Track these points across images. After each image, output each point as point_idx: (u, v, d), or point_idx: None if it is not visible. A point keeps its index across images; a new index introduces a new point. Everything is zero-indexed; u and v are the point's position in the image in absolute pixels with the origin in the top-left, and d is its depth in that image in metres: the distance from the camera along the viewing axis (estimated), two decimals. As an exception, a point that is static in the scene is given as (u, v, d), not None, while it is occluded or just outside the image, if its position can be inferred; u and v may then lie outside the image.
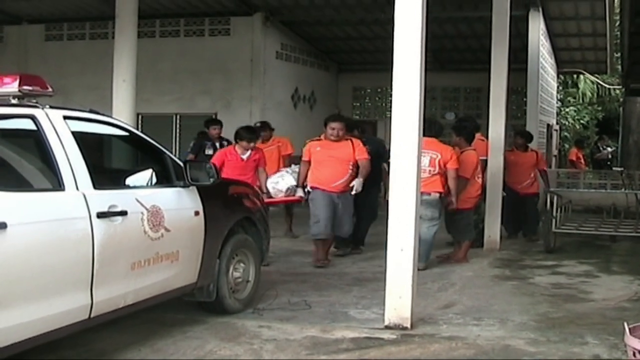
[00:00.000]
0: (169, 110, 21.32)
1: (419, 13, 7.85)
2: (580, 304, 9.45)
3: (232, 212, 8.51)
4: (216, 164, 9.11)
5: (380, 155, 12.82)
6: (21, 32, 22.97)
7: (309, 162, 12.03)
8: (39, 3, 21.44)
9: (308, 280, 10.41)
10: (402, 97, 7.89)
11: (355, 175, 11.83)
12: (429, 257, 11.87)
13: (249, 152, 12.46)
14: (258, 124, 15.23)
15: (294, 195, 12.63)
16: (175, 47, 21.60)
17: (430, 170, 11.47)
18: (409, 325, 7.90)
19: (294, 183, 12.55)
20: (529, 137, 16.15)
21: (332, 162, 11.79)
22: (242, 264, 8.58)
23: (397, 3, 7.90)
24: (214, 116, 19.19)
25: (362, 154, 11.91)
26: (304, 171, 12.14)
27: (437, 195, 11.66)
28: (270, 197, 12.60)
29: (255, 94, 21.05)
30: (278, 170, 13.65)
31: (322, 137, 12.04)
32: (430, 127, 11.91)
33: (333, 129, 11.84)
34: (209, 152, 15.22)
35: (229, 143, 14.64)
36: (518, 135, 16.14)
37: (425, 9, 7.96)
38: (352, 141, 11.98)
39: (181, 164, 7.62)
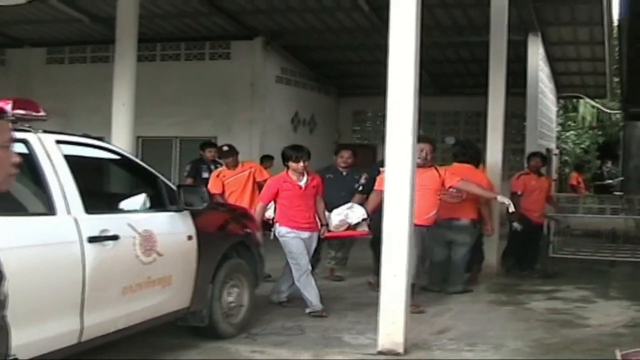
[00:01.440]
0: (170, 133, 21.35)
1: (413, 37, 7.87)
2: (576, 330, 9.43)
3: (226, 236, 8.52)
4: (268, 195, 10.28)
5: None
6: (23, 55, 23.06)
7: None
8: (42, 27, 21.53)
9: (303, 305, 10.40)
10: (397, 122, 7.92)
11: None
12: (463, 281, 12.07)
13: (305, 178, 10.20)
14: (225, 148, 13.30)
15: (355, 229, 11.09)
16: (176, 71, 21.67)
17: (459, 196, 11.24)
18: (402, 351, 7.89)
19: (364, 215, 10.92)
20: (545, 160, 15.03)
21: (421, 191, 9.53)
22: (235, 289, 8.56)
23: (392, 28, 7.94)
24: (213, 140, 19.20)
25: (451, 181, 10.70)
26: (377, 201, 9.96)
27: (468, 220, 11.75)
28: (330, 230, 10.79)
29: (256, 117, 21.09)
30: (255, 199, 12.13)
31: None
32: (465, 151, 12.28)
33: (422, 150, 10.13)
34: (205, 175, 14.90)
35: None
36: (537, 157, 14.38)
37: (419, 33, 7.98)
38: (436, 167, 10.72)
39: (174, 188, 7.63)
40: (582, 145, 38.60)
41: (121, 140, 12.91)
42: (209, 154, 15.54)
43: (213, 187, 12.71)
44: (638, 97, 24.76)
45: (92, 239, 6.12)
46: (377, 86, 8.30)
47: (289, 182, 10.13)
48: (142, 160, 8.25)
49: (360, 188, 12.23)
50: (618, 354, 5.66)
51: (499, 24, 13.96)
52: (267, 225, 10.45)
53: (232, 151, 13.17)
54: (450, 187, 10.78)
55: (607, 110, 36.34)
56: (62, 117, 18.08)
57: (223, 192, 12.90)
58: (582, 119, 37.70)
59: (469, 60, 23.22)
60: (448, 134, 25.25)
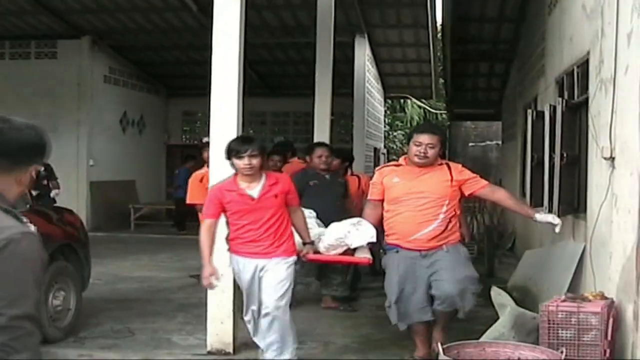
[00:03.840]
0: (-6, 134, 20.74)
1: (237, 37, 7.95)
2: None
3: (50, 239, 8.35)
4: (209, 210, 7.18)
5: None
6: None
7: (382, 202, 7.70)
8: None
9: (133, 307, 10.28)
10: (221, 122, 8.00)
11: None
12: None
13: (260, 184, 7.19)
14: (206, 139, 9.71)
15: (353, 254, 8.07)
16: (0, 70, 21.08)
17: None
18: (231, 350, 7.96)
19: (372, 237, 7.88)
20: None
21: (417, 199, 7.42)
22: (62, 292, 8.44)
23: (215, 28, 7.99)
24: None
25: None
26: (373, 218, 7.81)
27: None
28: (318, 251, 8.02)
29: (83, 118, 20.72)
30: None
31: (402, 160, 7.69)
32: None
33: (419, 144, 7.39)
34: (44, 182, 14.05)
35: (48, 167, 13.95)
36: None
37: (243, 33, 8.04)
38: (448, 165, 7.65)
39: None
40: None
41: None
42: None
43: (195, 195, 10.07)
44: (461, 98, 25.47)
45: None
46: (206, 86, 8.26)
47: (235, 190, 7.14)
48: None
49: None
50: (440, 348, 5.81)
51: (325, 25, 14.14)
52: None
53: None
54: (471, 195, 7.68)
55: (433, 111, 37.17)
56: None
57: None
58: (409, 119, 38.41)
59: (298, 61, 23.42)
60: (278, 135, 25.40)
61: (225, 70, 7.93)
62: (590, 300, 6.14)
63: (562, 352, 5.66)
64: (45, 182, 13.95)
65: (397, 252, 7.44)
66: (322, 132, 14.03)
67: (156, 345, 8.38)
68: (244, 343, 8.20)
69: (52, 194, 14.68)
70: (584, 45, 8.03)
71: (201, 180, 10.00)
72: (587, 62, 7.87)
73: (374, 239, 7.84)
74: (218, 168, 7.82)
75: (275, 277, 7.16)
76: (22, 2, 18.94)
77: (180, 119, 27.19)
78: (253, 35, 8.26)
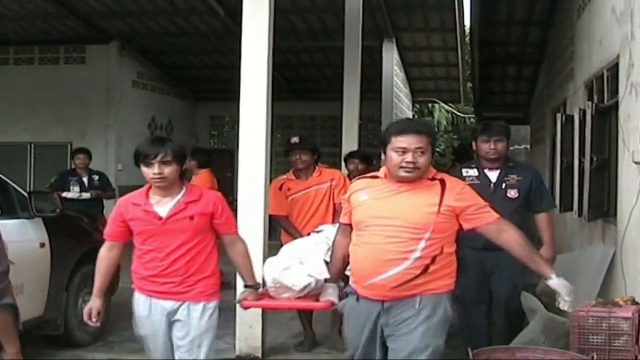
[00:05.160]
0: (24, 139, 20.86)
1: (266, 41, 7.97)
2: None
3: (80, 243, 8.39)
4: (110, 229, 5.70)
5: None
6: None
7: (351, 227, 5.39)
8: None
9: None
10: (250, 126, 7.99)
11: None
12: None
13: (175, 200, 5.53)
14: (295, 139, 8.54)
15: (316, 299, 6.15)
16: (30, 75, 21.20)
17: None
18: (260, 355, 7.96)
19: (325, 275, 6.06)
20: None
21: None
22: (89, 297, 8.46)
23: (244, 32, 7.99)
24: (69, 145, 18.88)
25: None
26: (341, 251, 5.53)
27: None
28: (268, 293, 6.37)
29: (111, 123, 20.80)
30: None
31: (383, 171, 5.31)
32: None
33: (403, 151, 5.12)
34: (75, 188, 12.85)
35: (102, 178, 13.27)
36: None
37: (272, 37, 8.05)
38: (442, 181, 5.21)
39: (25, 194, 7.49)
40: (438, 149, 39.32)
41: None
42: (78, 160, 13.22)
43: (275, 207, 8.46)
44: (489, 102, 25.41)
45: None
46: (233, 90, 8.26)
47: (141, 205, 5.51)
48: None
49: None
50: (470, 353, 5.77)
51: (353, 29, 14.15)
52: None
53: (305, 144, 8.53)
54: (472, 230, 5.23)
55: (461, 115, 37.10)
56: None
57: (288, 215, 8.51)
58: (437, 123, 38.35)
59: (324, 64, 23.40)
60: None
61: (254, 75, 7.95)
62: (620, 306, 6.09)
63: (592, 358, 5.62)
64: (98, 191, 13.19)
65: (358, 300, 5.22)
66: (350, 137, 14.01)
67: (184, 349, 8.38)
68: (272, 347, 8.21)
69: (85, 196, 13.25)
70: (614, 49, 7.98)
71: (280, 188, 8.56)
72: (616, 65, 7.82)
73: (322, 276, 6.02)
74: (247, 176, 7.85)
75: (185, 331, 5.51)
76: (50, 7, 19.01)
77: (208, 123, 27.25)
78: (280, 39, 8.26)
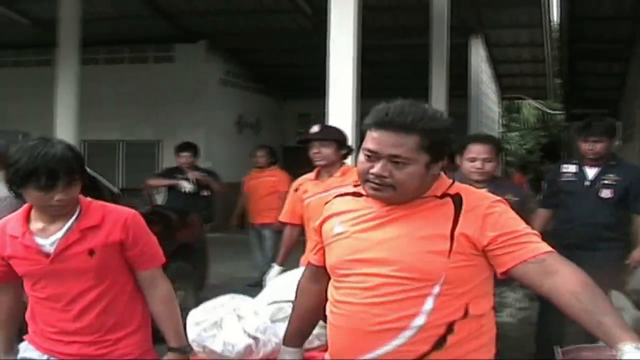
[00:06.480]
0: (114, 137, 21.21)
1: (352, 39, 7.98)
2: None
3: (170, 239, 8.51)
4: None
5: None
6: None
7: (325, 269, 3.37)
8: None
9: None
10: (336, 124, 7.99)
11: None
12: None
13: (63, 230, 3.71)
14: (316, 129, 6.61)
15: None
16: (120, 74, 21.50)
17: None
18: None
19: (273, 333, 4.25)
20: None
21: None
22: (181, 292, 8.57)
23: (331, 30, 8.03)
24: (159, 143, 19.10)
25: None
26: (306, 302, 3.58)
27: None
28: None
29: (200, 120, 21.00)
30: None
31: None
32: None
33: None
34: (186, 188, 11.26)
35: (213, 175, 12.02)
36: None
37: (358, 35, 8.07)
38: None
39: (117, 191, 7.63)
40: (526, 146, 38.95)
41: (65, 144, 12.86)
42: (181, 159, 11.76)
43: (285, 212, 6.83)
44: (578, 98, 25.11)
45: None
46: (320, 88, 8.26)
47: (18, 239, 3.75)
48: (87, 163, 8.25)
49: None
50: (559, 352, 5.71)
51: (440, 26, 14.12)
52: None
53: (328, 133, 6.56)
54: (506, 273, 3.04)
55: (550, 111, 36.72)
56: (4, 121, 17.89)
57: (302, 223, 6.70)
58: (525, 120, 38.03)
59: (408, 62, 23.33)
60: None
61: (341, 73, 7.97)
62: None
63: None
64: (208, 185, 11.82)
65: None
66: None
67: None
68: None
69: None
70: None
71: (296, 190, 6.80)
72: None
73: (268, 336, 4.23)
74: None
75: None
76: (140, 8, 19.30)
77: (295, 120, 27.38)
78: (365, 37, 8.27)
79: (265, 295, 4.67)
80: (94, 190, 7.59)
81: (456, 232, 3.04)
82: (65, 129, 13.59)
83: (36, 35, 20.84)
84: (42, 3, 18.30)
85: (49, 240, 3.69)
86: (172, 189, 11.39)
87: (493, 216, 3.06)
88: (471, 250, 3.04)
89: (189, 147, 11.98)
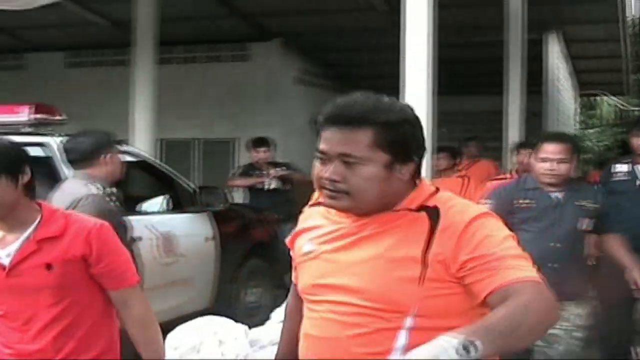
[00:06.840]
0: (190, 135, 21.34)
1: (426, 36, 7.93)
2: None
3: (246, 237, 8.58)
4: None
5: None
6: (42, 60, 23.02)
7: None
8: (59, 31, 21.60)
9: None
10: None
11: None
12: None
13: (19, 240, 3.41)
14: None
15: None
16: (195, 73, 21.61)
17: None
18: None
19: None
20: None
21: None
22: (258, 289, 8.62)
23: (407, 27, 8.00)
24: (235, 142, 19.16)
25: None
26: (293, 324, 3.14)
27: None
28: None
29: (275, 119, 21.02)
30: None
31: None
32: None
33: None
34: (269, 186, 11.04)
35: (291, 168, 11.80)
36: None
37: (434, 33, 8.04)
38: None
39: (194, 189, 7.69)
40: (605, 143, 38.45)
41: (143, 143, 12.99)
42: (257, 154, 11.60)
43: None
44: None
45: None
46: (395, 86, 8.19)
47: None
48: (164, 162, 8.34)
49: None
50: (634, 353, 5.65)
51: (515, 23, 14.01)
52: None
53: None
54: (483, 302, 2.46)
55: (630, 108, 36.21)
56: (80, 121, 18.14)
57: None
58: (603, 117, 37.53)
59: (483, 59, 23.15)
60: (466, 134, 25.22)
61: (416, 71, 7.93)
62: None
63: None
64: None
65: None
66: (514, 131, 13.87)
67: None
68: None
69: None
70: None
71: None
72: None
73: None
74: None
75: None
76: (215, 8, 19.40)
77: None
78: (439, 35, 8.22)
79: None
80: (170, 189, 7.68)
81: (430, 255, 2.52)
82: (141, 128, 13.74)
83: (113, 35, 21.11)
84: (119, 3, 18.54)
85: (6, 251, 3.38)
86: (253, 187, 11.24)
87: (467, 236, 2.51)
88: (447, 277, 2.52)
89: (264, 142, 11.88)
